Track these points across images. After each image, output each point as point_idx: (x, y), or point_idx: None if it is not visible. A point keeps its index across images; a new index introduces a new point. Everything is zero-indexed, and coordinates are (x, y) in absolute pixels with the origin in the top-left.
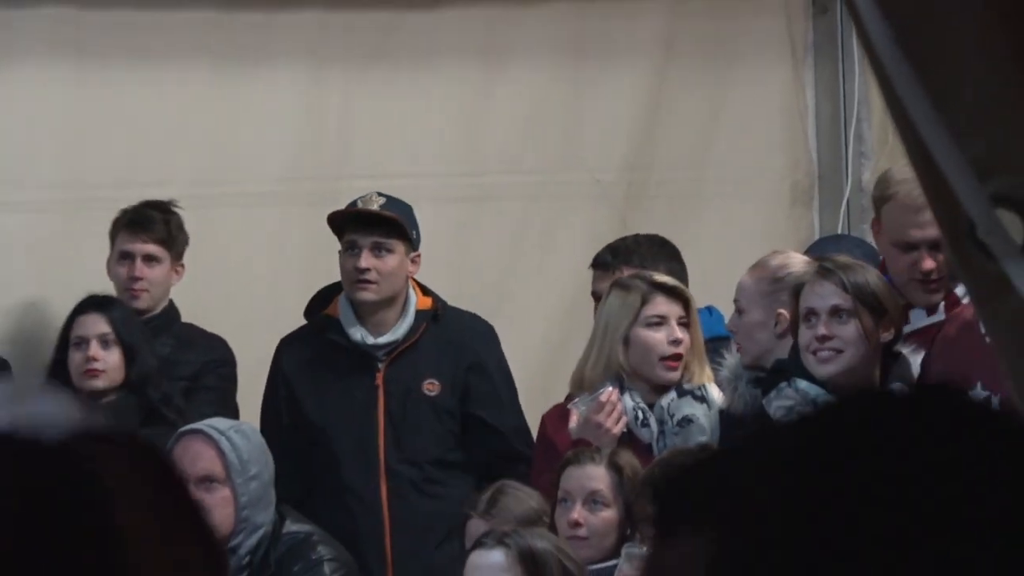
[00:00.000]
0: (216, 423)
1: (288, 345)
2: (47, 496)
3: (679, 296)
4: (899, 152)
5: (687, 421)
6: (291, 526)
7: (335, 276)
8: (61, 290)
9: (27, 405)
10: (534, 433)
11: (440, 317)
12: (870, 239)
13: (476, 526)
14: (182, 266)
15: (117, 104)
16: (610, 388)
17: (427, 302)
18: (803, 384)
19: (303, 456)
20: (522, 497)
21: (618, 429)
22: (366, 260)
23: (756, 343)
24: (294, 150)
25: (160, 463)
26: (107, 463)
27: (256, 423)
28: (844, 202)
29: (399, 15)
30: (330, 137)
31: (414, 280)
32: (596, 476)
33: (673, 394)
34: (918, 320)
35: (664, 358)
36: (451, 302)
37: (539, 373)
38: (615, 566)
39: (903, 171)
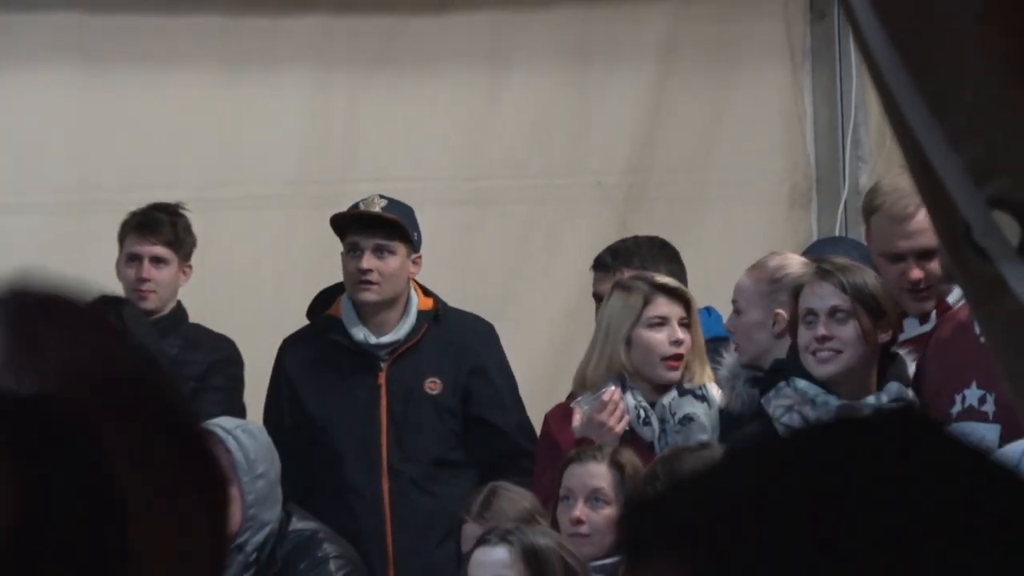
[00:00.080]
0: (223, 422)
1: (291, 345)
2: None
3: (680, 297)
4: (896, 156)
5: (688, 419)
6: (297, 524)
7: (340, 278)
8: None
9: None
10: (537, 434)
11: (441, 318)
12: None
13: (471, 530)
14: (189, 267)
15: (124, 108)
16: (612, 387)
17: (428, 303)
18: (802, 384)
19: (304, 455)
20: (515, 498)
21: (620, 428)
22: (368, 261)
23: (754, 343)
24: (300, 154)
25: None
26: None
27: (260, 423)
28: (842, 205)
29: (404, 20)
30: (335, 141)
31: (415, 281)
32: (598, 474)
33: (674, 393)
34: (911, 329)
35: (665, 358)
36: (456, 305)
37: (544, 375)
38: (616, 563)
39: (891, 182)
